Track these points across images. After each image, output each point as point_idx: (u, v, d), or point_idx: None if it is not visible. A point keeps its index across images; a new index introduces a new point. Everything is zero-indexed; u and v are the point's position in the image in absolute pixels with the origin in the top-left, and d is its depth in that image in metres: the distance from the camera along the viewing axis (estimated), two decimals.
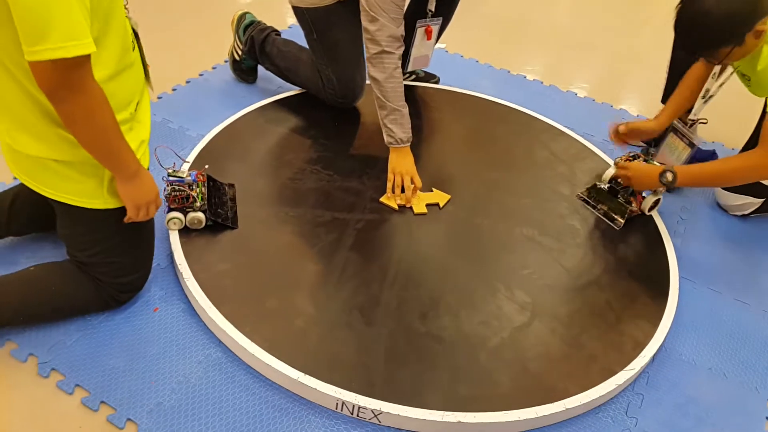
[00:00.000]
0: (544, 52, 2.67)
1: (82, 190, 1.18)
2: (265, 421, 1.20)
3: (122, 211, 1.22)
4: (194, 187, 1.47)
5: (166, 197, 1.46)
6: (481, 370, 1.29)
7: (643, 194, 1.69)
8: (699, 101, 1.73)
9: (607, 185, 1.73)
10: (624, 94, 2.43)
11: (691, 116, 1.77)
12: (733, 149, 2.09)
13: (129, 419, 1.18)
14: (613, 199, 1.71)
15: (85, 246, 1.26)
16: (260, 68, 2.12)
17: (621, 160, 1.73)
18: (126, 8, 1.16)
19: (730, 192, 1.81)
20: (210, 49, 2.30)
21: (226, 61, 2.20)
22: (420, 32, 1.96)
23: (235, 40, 2.08)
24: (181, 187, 1.45)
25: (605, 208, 1.72)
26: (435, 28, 1.98)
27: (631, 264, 1.59)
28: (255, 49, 2.02)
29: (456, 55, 2.51)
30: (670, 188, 1.73)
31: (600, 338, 1.39)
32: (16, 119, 1.10)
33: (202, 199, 1.48)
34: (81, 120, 1.05)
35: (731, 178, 1.62)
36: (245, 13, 2.07)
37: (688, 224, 1.79)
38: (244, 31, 2.04)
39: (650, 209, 1.70)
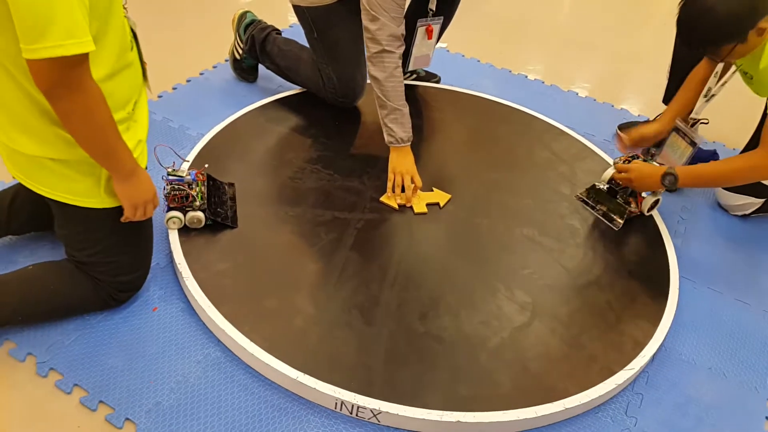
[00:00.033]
0: (545, 52, 2.67)
1: (79, 189, 1.18)
2: (265, 421, 1.20)
3: (120, 210, 1.22)
4: (194, 186, 1.46)
5: (165, 196, 1.46)
6: (481, 370, 1.29)
7: (643, 194, 1.69)
8: (701, 100, 1.73)
9: (606, 186, 1.72)
10: (625, 93, 2.43)
11: (693, 115, 1.76)
12: (734, 149, 2.09)
13: (127, 419, 1.18)
14: (612, 199, 1.71)
15: (83, 245, 1.26)
16: (261, 67, 2.12)
17: (620, 160, 1.72)
18: (125, 8, 1.16)
19: (731, 192, 1.81)
20: (211, 48, 2.30)
21: (226, 60, 2.20)
22: (421, 31, 1.96)
23: (235, 39, 2.08)
24: (181, 186, 1.45)
25: (604, 209, 1.71)
26: (436, 28, 1.98)
27: (631, 264, 1.59)
28: (255, 48, 2.02)
29: (457, 54, 2.51)
30: (671, 189, 1.73)
31: (600, 338, 1.39)
32: (13, 118, 1.10)
33: (201, 199, 1.48)
34: (78, 118, 1.05)
35: (732, 178, 1.62)
36: (246, 12, 2.07)
37: (689, 224, 1.79)
38: (245, 30, 2.04)
39: (649, 209, 1.70)
